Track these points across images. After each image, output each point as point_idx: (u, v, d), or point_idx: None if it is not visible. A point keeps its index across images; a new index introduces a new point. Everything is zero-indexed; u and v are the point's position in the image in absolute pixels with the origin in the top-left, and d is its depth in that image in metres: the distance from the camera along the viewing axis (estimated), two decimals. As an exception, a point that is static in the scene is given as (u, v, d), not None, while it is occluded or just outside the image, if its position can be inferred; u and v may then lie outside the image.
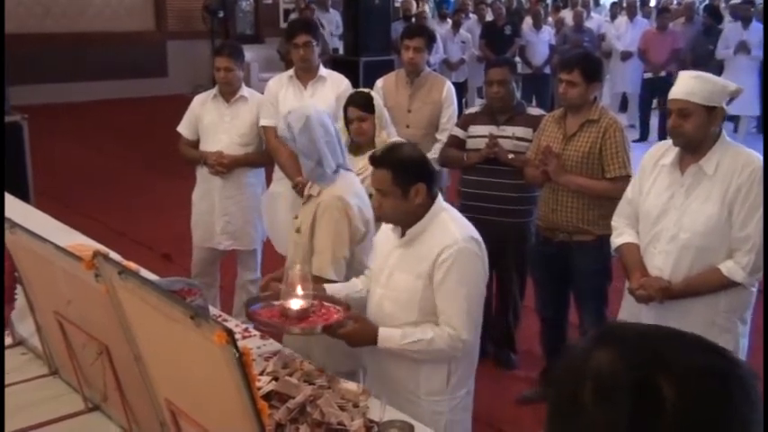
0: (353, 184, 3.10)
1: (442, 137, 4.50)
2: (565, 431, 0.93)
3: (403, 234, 2.67)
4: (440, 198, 2.70)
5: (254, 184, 4.69)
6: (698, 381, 0.87)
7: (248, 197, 4.64)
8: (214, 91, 4.64)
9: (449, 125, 4.53)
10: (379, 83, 4.73)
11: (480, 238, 2.66)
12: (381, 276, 2.71)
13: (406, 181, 2.59)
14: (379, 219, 2.84)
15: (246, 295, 4.52)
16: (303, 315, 2.57)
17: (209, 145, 4.56)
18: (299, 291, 2.57)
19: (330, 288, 2.81)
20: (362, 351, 2.78)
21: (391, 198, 2.60)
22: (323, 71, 4.55)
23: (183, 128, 4.66)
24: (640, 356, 0.89)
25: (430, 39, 4.75)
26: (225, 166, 4.49)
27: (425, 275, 2.58)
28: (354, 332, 2.58)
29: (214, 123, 4.57)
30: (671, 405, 0.85)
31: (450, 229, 2.61)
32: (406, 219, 2.64)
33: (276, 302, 2.65)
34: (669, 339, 0.93)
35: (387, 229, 2.78)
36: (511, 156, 4.14)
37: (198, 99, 4.70)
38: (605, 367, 0.89)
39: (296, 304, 2.57)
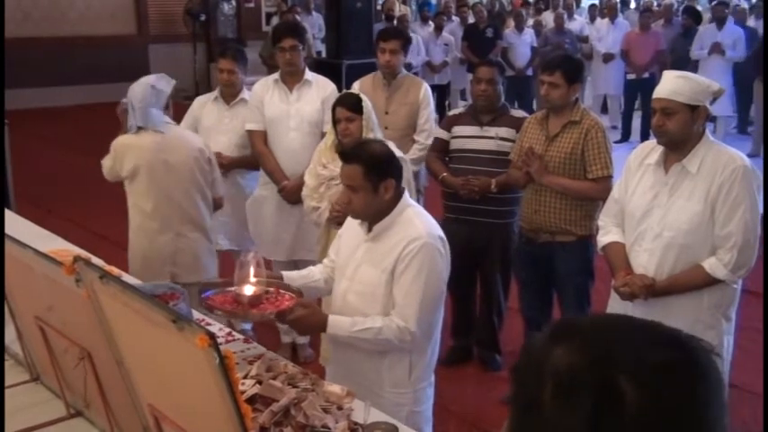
0: (141, 138, 3.76)
1: (420, 138, 4.52)
2: (527, 431, 0.93)
3: (370, 229, 2.69)
4: (406, 194, 2.74)
5: (251, 186, 4.72)
6: (656, 375, 0.87)
7: (244, 198, 4.68)
8: (215, 93, 4.71)
9: (426, 126, 4.55)
10: (356, 85, 4.72)
11: (445, 237, 2.70)
12: (347, 269, 2.74)
13: (376, 176, 2.61)
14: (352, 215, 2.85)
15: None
16: (256, 301, 2.61)
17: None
18: (252, 276, 2.60)
19: (287, 275, 2.85)
20: (324, 340, 2.80)
21: (362, 193, 2.62)
22: (309, 75, 4.54)
23: (183, 129, 4.67)
24: (598, 354, 0.89)
25: (405, 41, 4.77)
26: (223, 167, 4.51)
27: (389, 270, 2.61)
28: (303, 317, 2.61)
29: (214, 125, 4.62)
30: (630, 402, 0.85)
31: (415, 224, 2.64)
32: (376, 214, 2.67)
33: (230, 288, 2.67)
34: (627, 333, 0.93)
35: (353, 222, 2.80)
36: (493, 186, 4.16)
37: (198, 101, 4.77)
38: (564, 366, 0.89)
39: (249, 290, 2.60)
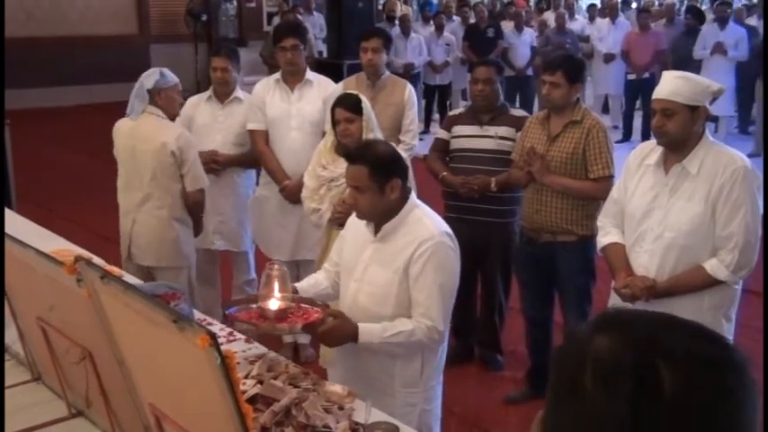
0: (123, 124, 4.13)
1: (406, 138, 4.51)
2: (565, 415, 0.94)
3: (377, 229, 2.69)
4: (413, 194, 2.74)
5: (246, 185, 4.74)
6: (695, 366, 0.89)
7: (240, 197, 4.70)
8: (208, 93, 4.70)
9: (412, 127, 4.55)
10: (340, 86, 4.71)
11: (452, 233, 2.70)
12: (356, 271, 2.73)
13: (382, 176, 2.61)
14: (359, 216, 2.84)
15: (242, 296, 4.60)
16: (282, 315, 2.57)
17: (203, 145, 4.58)
18: (277, 291, 2.57)
19: (298, 287, 2.82)
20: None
21: (368, 194, 2.62)
22: (310, 75, 4.54)
23: None
24: (640, 341, 0.91)
25: (386, 39, 4.76)
26: (219, 164, 4.52)
27: (401, 270, 2.61)
28: (334, 328, 2.57)
29: (208, 124, 4.62)
30: (669, 389, 0.87)
31: (425, 223, 2.65)
32: (383, 214, 2.66)
33: (254, 305, 2.65)
34: (668, 325, 0.95)
35: (356, 223, 2.79)
36: (493, 185, 4.17)
37: (191, 101, 4.75)
38: (606, 352, 0.91)
39: (274, 305, 2.57)
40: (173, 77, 4.13)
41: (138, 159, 4.06)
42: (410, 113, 4.57)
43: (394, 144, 4.44)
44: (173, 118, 4.14)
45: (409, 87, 4.68)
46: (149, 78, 4.04)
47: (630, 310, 1.01)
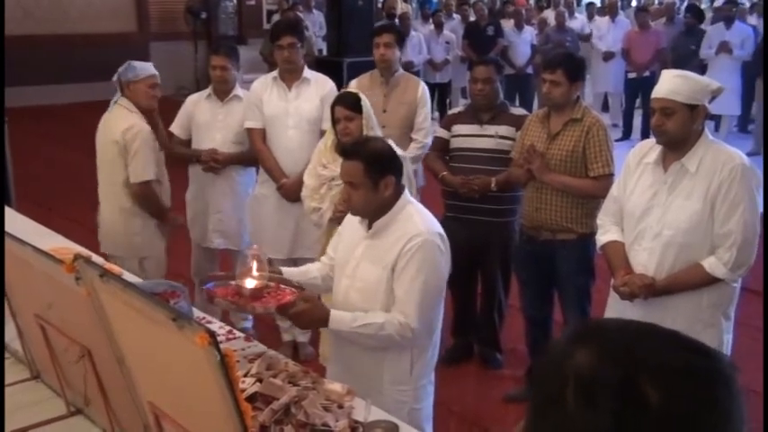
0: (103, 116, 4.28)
1: (418, 136, 4.52)
2: (546, 427, 0.93)
3: (370, 226, 2.69)
4: (406, 191, 2.74)
5: (246, 183, 4.73)
6: (679, 379, 0.88)
7: (240, 195, 4.70)
8: (208, 91, 4.70)
9: (425, 125, 4.55)
10: (354, 84, 4.70)
11: (444, 234, 2.70)
12: (347, 267, 2.74)
13: (377, 173, 2.62)
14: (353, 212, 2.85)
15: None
16: (257, 294, 2.61)
17: (202, 143, 4.60)
18: (254, 271, 2.61)
19: (286, 272, 2.85)
20: (324, 340, 2.81)
21: (362, 190, 2.63)
22: (307, 73, 4.54)
23: (176, 127, 4.70)
24: (620, 356, 0.90)
25: (399, 35, 4.77)
26: (219, 163, 4.52)
27: (390, 266, 2.62)
28: (305, 312, 2.59)
29: (208, 122, 4.62)
30: (655, 404, 0.86)
31: (416, 221, 2.65)
32: (376, 211, 2.67)
33: (231, 282, 2.68)
34: (649, 337, 0.94)
35: (353, 220, 2.80)
36: (493, 185, 4.17)
37: (191, 99, 4.77)
38: (587, 368, 0.90)
39: (250, 284, 2.60)
40: (145, 70, 4.18)
41: (100, 151, 4.26)
42: (423, 111, 4.57)
43: (406, 142, 4.47)
44: (144, 110, 4.17)
45: (422, 85, 4.68)
46: (117, 72, 4.21)
47: (610, 321, 0.99)
